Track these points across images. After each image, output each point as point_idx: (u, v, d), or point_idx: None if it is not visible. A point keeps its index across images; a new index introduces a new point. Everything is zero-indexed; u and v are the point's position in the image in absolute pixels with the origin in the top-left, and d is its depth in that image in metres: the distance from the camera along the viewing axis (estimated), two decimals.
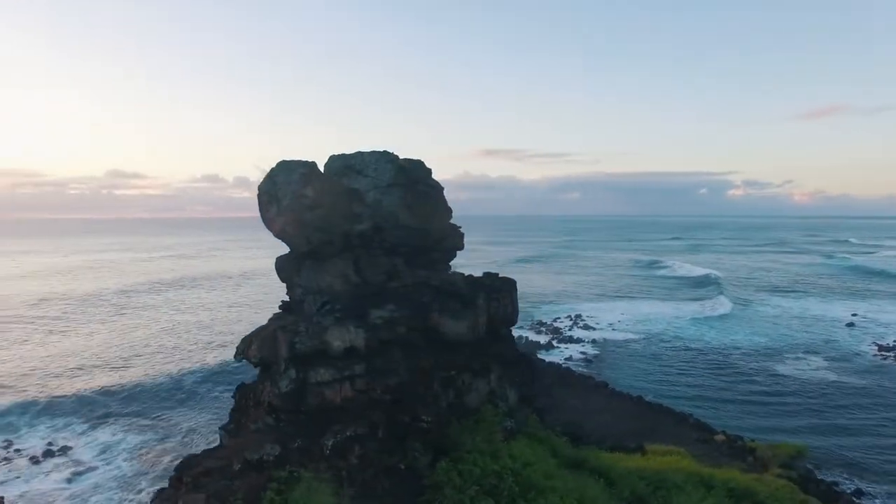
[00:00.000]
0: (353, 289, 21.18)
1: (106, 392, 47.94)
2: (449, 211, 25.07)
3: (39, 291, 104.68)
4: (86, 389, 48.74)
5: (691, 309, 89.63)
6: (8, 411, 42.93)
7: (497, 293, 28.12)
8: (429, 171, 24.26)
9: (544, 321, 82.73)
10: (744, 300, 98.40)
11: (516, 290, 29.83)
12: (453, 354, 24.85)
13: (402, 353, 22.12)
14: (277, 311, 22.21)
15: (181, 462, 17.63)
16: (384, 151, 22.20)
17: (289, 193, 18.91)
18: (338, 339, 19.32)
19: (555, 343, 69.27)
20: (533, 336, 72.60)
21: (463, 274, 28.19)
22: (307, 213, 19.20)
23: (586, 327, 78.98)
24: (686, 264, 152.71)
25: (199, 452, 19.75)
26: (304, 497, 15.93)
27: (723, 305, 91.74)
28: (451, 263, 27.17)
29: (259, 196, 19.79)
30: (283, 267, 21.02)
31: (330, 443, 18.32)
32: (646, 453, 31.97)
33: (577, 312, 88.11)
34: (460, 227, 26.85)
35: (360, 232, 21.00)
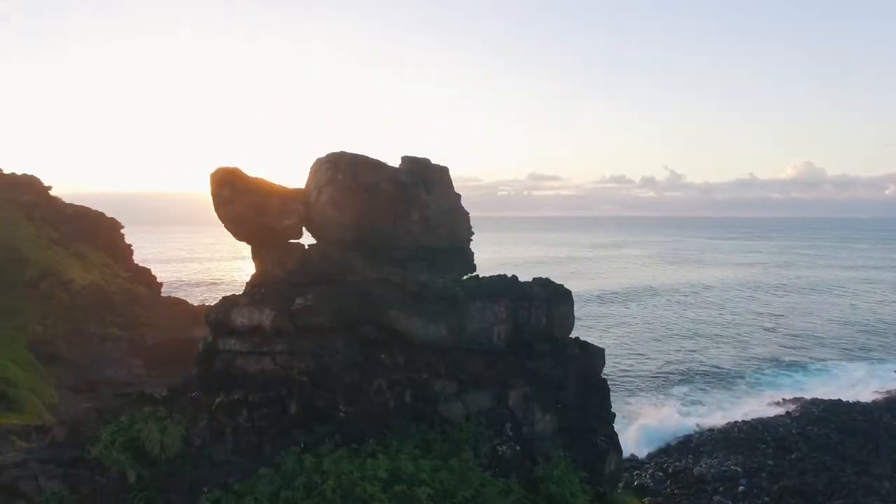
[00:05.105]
0: (288, 276, 23.61)
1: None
2: (412, 210, 24.25)
3: None
4: None
5: None
6: None
7: (528, 301, 25.53)
8: (408, 170, 24.08)
9: None
10: None
11: (567, 302, 26.20)
12: (430, 358, 24.19)
13: (345, 342, 23.28)
14: None
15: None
16: (339, 152, 23.75)
17: (214, 193, 22.87)
18: (243, 317, 22.28)
19: None
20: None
21: (487, 277, 26.43)
22: (223, 209, 22.76)
23: None
24: None
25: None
26: (149, 431, 19.96)
27: None
28: None
29: None
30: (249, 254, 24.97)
31: (217, 400, 21.61)
32: None
33: None
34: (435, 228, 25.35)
35: (287, 227, 23.30)
